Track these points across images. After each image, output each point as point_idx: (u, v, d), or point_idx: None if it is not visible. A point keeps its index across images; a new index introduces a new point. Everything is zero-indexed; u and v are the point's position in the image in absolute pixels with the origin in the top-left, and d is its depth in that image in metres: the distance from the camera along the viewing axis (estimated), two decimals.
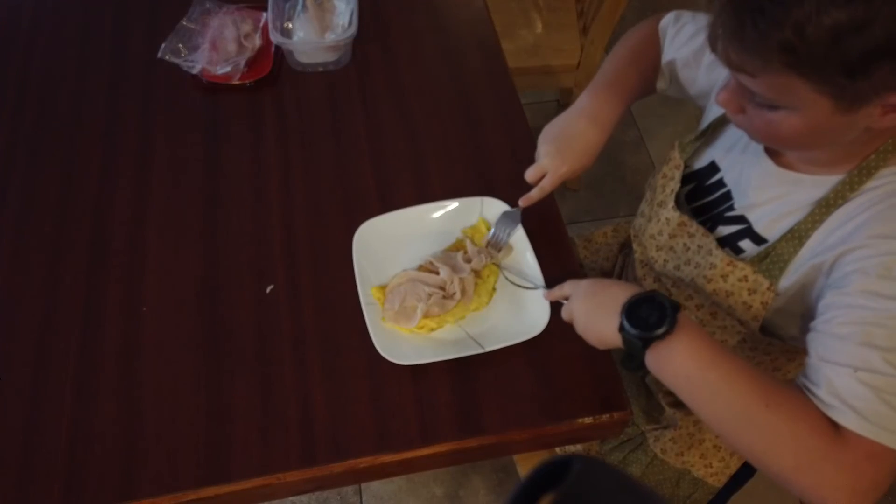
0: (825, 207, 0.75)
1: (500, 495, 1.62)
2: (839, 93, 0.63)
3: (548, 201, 1.02)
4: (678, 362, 0.70)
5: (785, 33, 0.60)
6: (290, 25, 1.20)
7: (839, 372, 0.66)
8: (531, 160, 1.06)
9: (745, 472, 1.06)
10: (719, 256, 0.83)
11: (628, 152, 2.15)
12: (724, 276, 0.83)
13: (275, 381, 0.88)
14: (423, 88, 1.17)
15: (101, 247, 1.00)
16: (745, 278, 0.82)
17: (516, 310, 0.93)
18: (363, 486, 1.64)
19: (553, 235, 0.99)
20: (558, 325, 0.89)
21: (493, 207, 0.98)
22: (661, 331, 0.69)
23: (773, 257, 0.79)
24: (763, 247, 0.81)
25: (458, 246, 0.98)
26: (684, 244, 0.90)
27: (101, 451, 0.84)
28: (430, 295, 0.91)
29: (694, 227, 0.88)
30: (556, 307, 0.90)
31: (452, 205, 1.00)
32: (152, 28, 1.22)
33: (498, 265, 0.96)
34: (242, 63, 1.16)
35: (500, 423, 0.85)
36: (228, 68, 1.15)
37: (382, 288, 0.94)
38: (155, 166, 1.08)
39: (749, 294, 0.82)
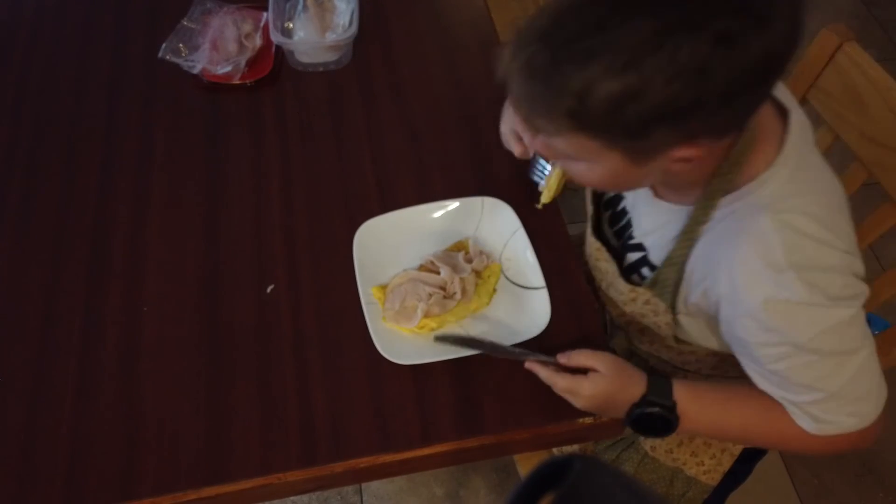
0: (686, 238, 0.80)
1: (500, 495, 1.62)
2: (628, 150, 0.67)
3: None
4: (700, 433, 0.90)
5: (568, 101, 0.63)
6: (291, 25, 1.20)
7: (785, 398, 0.78)
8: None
9: (742, 470, 1.06)
10: (622, 283, 0.91)
11: None
12: (633, 300, 0.90)
13: (275, 380, 0.88)
14: (423, 88, 1.16)
15: (102, 246, 1.00)
16: (648, 301, 0.88)
17: (517, 310, 0.93)
18: (363, 485, 1.64)
19: (553, 235, 0.99)
20: (558, 326, 0.89)
21: (494, 207, 0.98)
22: (666, 436, 0.83)
23: (661, 283, 0.85)
24: (654, 273, 0.87)
25: (458, 246, 0.98)
26: (604, 268, 0.95)
27: (101, 451, 0.84)
28: (430, 295, 0.91)
29: (604, 254, 0.94)
30: (556, 307, 0.90)
31: (453, 205, 1.00)
32: (153, 28, 1.22)
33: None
34: (243, 63, 1.16)
35: (501, 423, 0.85)
36: (229, 68, 1.15)
37: (383, 288, 0.93)
38: (155, 166, 1.08)
39: (654, 315, 0.89)
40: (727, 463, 1.01)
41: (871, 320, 1.70)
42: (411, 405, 0.86)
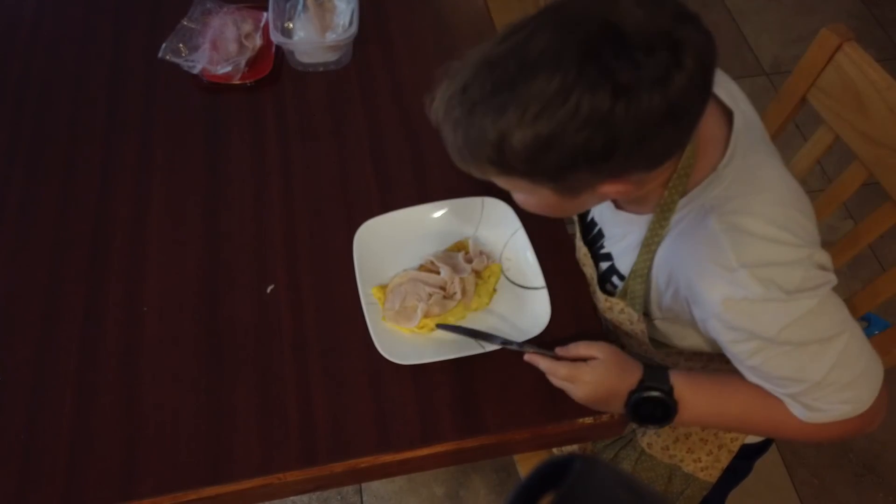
0: (647, 246, 0.82)
1: (500, 495, 1.62)
2: (555, 189, 0.71)
3: None
4: (697, 422, 0.88)
5: (487, 151, 0.66)
6: (291, 25, 1.20)
7: (774, 389, 0.79)
8: None
9: (742, 467, 1.06)
10: (598, 292, 0.93)
11: None
12: (609, 309, 0.92)
13: (275, 380, 0.88)
14: (423, 88, 1.15)
15: (102, 246, 1.00)
16: (622, 311, 0.90)
17: (517, 310, 0.93)
18: (364, 485, 1.64)
19: (554, 235, 0.99)
20: (558, 326, 0.89)
21: (494, 207, 0.98)
22: (668, 421, 0.82)
23: (630, 293, 0.87)
24: (623, 283, 0.88)
25: (458, 246, 0.98)
26: (589, 273, 0.96)
27: (101, 451, 0.84)
28: (430, 295, 0.91)
29: (589, 259, 0.95)
30: (556, 307, 0.90)
31: (453, 205, 1.00)
32: (153, 28, 1.22)
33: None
34: (243, 63, 1.16)
35: (501, 423, 0.85)
36: (229, 68, 1.15)
37: (383, 288, 0.93)
38: (155, 166, 1.08)
39: (630, 324, 0.90)
40: (725, 459, 1.01)
41: (870, 320, 1.71)
42: (411, 405, 0.86)
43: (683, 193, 0.77)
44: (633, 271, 0.85)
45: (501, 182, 0.74)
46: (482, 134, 0.66)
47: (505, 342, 0.87)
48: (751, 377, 0.80)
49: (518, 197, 0.80)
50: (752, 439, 1.03)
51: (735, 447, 1.01)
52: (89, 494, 0.82)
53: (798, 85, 1.03)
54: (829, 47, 0.97)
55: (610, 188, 0.70)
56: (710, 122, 0.77)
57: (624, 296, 0.88)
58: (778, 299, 0.71)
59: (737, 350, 0.77)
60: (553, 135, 0.63)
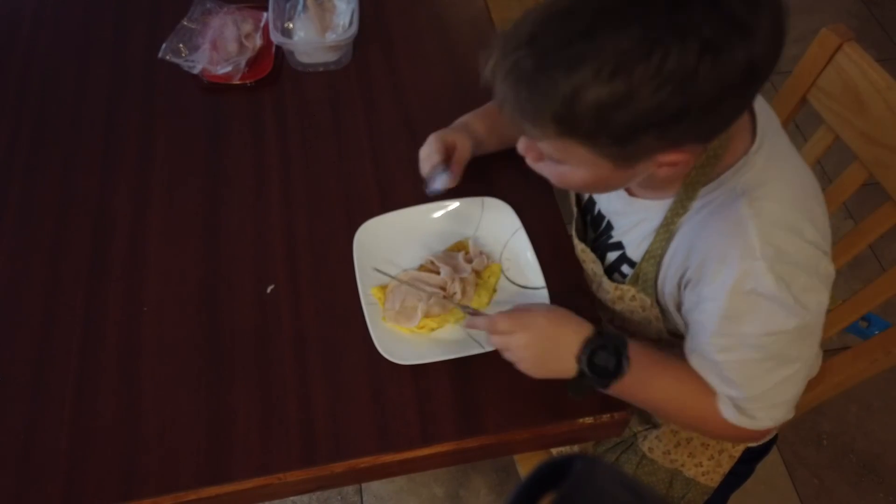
0: (665, 229, 0.81)
1: (500, 495, 1.62)
2: (614, 156, 0.68)
3: (548, 201, 1.02)
4: (628, 391, 0.82)
5: (556, 106, 0.63)
6: (291, 25, 1.20)
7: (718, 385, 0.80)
8: None
9: (743, 471, 1.06)
10: (607, 282, 0.92)
11: None
12: (620, 298, 0.91)
13: (275, 380, 0.88)
14: (423, 88, 1.17)
15: (102, 246, 1.00)
16: (634, 297, 0.89)
17: None
18: (364, 485, 1.64)
19: (553, 235, 0.99)
20: None
21: (494, 207, 0.98)
22: (621, 376, 0.78)
23: (642, 277, 0.86)
24: (634, 269, 0.87)
25: (458, 246, 0.98)
26: (591, 269, 0.95)
27: (101, 451, 0.84)
28: (430, 295, 0.91)
29: (590, 255, 0.94)
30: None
31: (453, 205, 1.00)
32: (153, 28, 1.22)
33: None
34: (243, 63, 1.16)
35: (501, 423, 0.85)
36: (229, 68, 1.15)
37: (383, 288, 0.93)
38: (155, 166, 1.08)
39: (643, 311, 0.90)
40: (726, 464, 1.01)
41: (871, 320, 1.71)
42: (411, 405, 0.86)
43: (710, 176, 0.76)
44: (647, 252, 0.84)
45: (553, 147, 0.70)
46: (551, 88, 0.62)
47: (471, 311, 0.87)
48: (702, 366, 0.80)
49: (561, 170, 0.75)
50: (753, 442, 1.02)
51: (737, 452, 1.01)
52: (89, 494, 0.82)
53: (798, 85, 1.03)
54: (829, 47, 0.97)
55: (666, 159, 0.68)
56: None
57: (635, 281, 0.87)
58: (782, 303, 0.72)
59: (713, 340, 0.77)
60: (630, 92, 0.60)
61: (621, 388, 0.80)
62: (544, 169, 0.78)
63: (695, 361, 0.81)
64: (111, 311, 0.94)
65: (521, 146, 0.78)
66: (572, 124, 0.64)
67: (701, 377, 0.81)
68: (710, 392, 0.81)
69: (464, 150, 0.98)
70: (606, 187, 0.81)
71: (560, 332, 0.81)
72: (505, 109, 0.69)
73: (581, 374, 0.79)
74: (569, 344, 0.79)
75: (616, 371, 0.78)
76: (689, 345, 0.83)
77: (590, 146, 0.67)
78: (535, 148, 0.76)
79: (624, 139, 0.65)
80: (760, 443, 1.04)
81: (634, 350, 0.80)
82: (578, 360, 0.79)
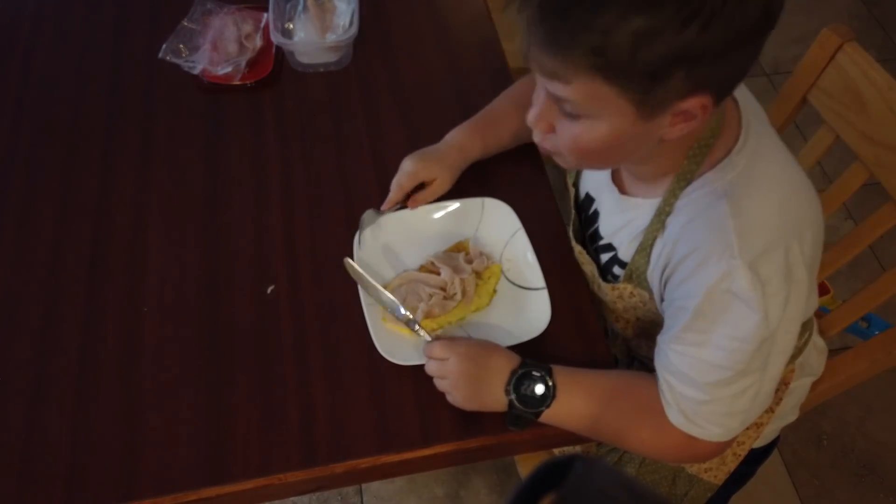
0: (657, 219, 0.81)
1: (500, 495, 1.62)
2: (642, 98, 0.67)
3: (548, 201, 1.02)
4: (562, 419, 0.83)
5: (592, 37, 0.63)
6: (291, 26, 1.20)
7: (670, 389, 0.80)
8: (532, 160, 1.06)
9: (746, 472, 1.06)
10: (602, 283, 0.92)
11: None
12: (620, 297, 0.91)
13: (275, 381, 0.88)
14: (423, 88, 1.17)
15: (102, 246, 1.00)
16: (632, 294, 0.89)
17: (517, 311, 0.93)
18: (364, 486, 1.64)
19: (553, 235, 0.99)
20: (559, 326, 0.89)
21: (494, 208, 0.98)
22: (547, 403, 0.81)
23: (636, 273, 0.86)
24: (627, 266, 0.88)
25: (459, 247, 0.98)
26: (589, 272, 0.95)
27: (102, 451, 0.84)
28: (430, 295, 0.91)
29: (586, 257, 0.95)
30: (556, 308, 0.90)
31: (453, 205, 1.00)
32: (153, 28, 1.22)
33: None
34: (243, 63, 1.16)
35: (501, 424, 0.85)
36: (229, 69, 1.15)
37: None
38: (155, 166, 1.08)
39: (644, 305, 0.90)
40: (732, 463, 1.01)
41: (871, 320, 1.71)
42: (412, 406, 0.86)
43: (700, 168, 0.78)
44: (640, 245, 0.85)
45: (578, 91, 0.68)
46: (588, 18, 0.62)
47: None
48: (665, 364, 0.80)
49: (573, 132, 0.73)
50: (758, 443, 1.02)
51: (742, 451, 1.00)
52: (89, 494, 0.81)
53: (798, 85, 1.03)
54: (829, 47, 0.97)
55: (686, 106, 0.68)
56: (728, 105, 0.79)
57: (630, 278, 0.88)
58: (752, 306, 0.72)
59: (682, 335, 0.78)
60: (664, 25, 0.61)
61: (556, 415, 0.82)
62: (556, 139, 0.76)
63: (659, 358, 0.81)
64: (111, 311, 0.94)
65: (533, 116, 0.76)
66: (607, 57, 0.63)
67: (644, 390, 0.82)
68: (653, 399, 0.81)
69: (441, 186, 0.99)
70: (620, 151, 0.77)
71: (491, 362, 0.83)
72: (534, 52, 0.68)
73: (511, 404, 0.81)
74: (500, 370, 0.82)
75: (542, 399, 0.81)
76: (659, 338, 0.83)
77: (619, 85, 0.66)
78: (547, 117, 0.75)
79: (655, 75, 0.65)
80: (762, 445, 1.04)
81: (562, 375, 0.82)
82: (506, 391, 0.81)
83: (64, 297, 0.95)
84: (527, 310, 0.92)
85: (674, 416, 0.80)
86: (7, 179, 1.07)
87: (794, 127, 1.12)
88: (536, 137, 0.79)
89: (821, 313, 1.06)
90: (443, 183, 0.99)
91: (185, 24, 1.21)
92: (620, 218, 0.89)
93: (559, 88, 0.69)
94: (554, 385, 0.81)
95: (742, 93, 0.81)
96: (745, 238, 0.72)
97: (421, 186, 0.99)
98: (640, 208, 0.85)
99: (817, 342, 1.02)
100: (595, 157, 0.78)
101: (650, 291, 0.87)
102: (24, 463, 0.83)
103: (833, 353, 1.04)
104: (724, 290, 0.73)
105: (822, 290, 1.48)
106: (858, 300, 1.02)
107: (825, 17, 2.42)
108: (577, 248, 0.96)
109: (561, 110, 0.73)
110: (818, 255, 0.80)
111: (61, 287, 0.96)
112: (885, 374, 0.98)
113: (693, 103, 0.68)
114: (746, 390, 0.77)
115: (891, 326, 1.00)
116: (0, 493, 0.82)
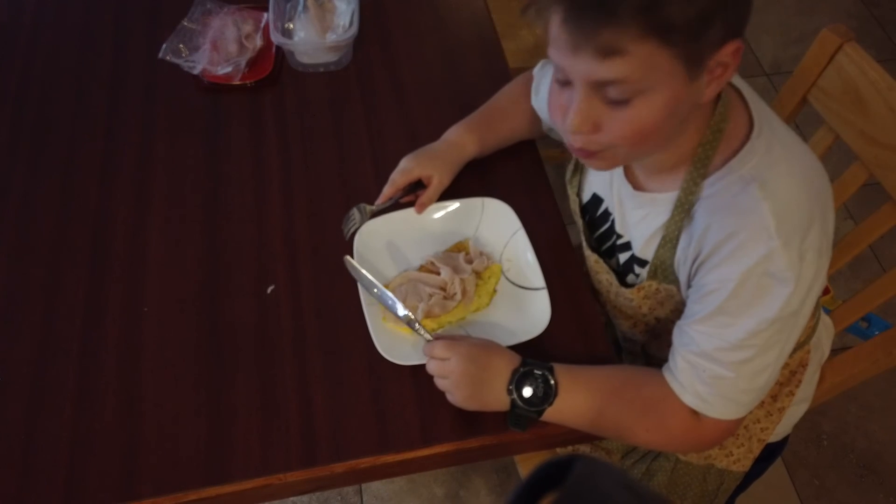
0: (679, 210, 0.81)
1: (500, 495, 1.62)
2: (689, 55, 0.68)
3: (548, 201, 1.02)
4: (564, 416, 0.83)
5: None
6: (291, 26, 1.20)
7: (690, 368, 0.79)
8: (532, 160, 1.06)
9: (753, 470, 1.06)
10: (623, 290, 0.92)
11: None
12: (645, 297, 0.90)
13: (275, 381, 0.88)
14: (423, 88, 1.17)
15: (102, 246, 1.00)
16: (658, 290, 0.88)
17: (517, 311, 0.93)
18: (364, 486, 1.64)
19: (553, 235, 0.99)
20: (559, 326, 0.89)
21: (494, 208, 0.98)
22: (550, 401, 0.81)
23: (660, 268, 0.86)
24: (648, 266, 0.88)
25: (459, 247, 0.98)
26: (606, 280, 0.95)
27: (101, 451, 0.84)
28: (430, 295, 0.91)
29: (603, 265, 0.95)
30: (556, 308, 0.90)
31: (453, 205, 1.00)
32: (153, 28, 1.22)
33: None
34: (243, 63, 1.16)
35: (501, 424, 0.85)
36: (229, 69, 1.15)
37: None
38: (156, 166, 1.08)
39: (671, 299, 0.89)
40: (757, 449, 1.01)
41: (871, 320, 1.71)
42: (411, 405, 0.86)
43: (712, 167, 0.78)
44: (663, 238, 0.84)
45: (628, 62, 0.67)
46: None
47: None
48: (686, 343, 0.80)
49: (634, 113, 0.71)
50: (773, 437, 1.01)
51: (766, 436, 1.00)
52: (89, 495, 0.81)
53: (798, 85, 1.03)
54: (829, 47, 0.97)
55: (728, 49, 0.69)
56: (731, 95, 0.80)
57: (654, 275, 0.87)
58: (789, 284, 0.73)
59: (715, 319, 0.77)
60: None
61: (558, 413, 0.82)
62: (602, 136, 0.74)
63: (681, 338, 0.81)
64: (111, 311, 0.94)
65: (577, 119, 0.72)
66: (658, 14, 0.64)
67: (645, 381, 0.83)
68: (656, 390, 0.81)
69: (440, 183, 0.99)
70: (673, 123, 0.74)
71: (492, 361, 0.83)
72: (577, 39, 0.67)
73: (513, 404, 0.82)
74: (501, 370, 0.82)
75: (545, 397, 0.81)
76: (680, 322, 0.82)
77: (672, 44, 0.66)
78: (591, 116, 0.72)
79: (702, 25, 0.66)
80: (778, 440, 1.03)
81: (562, 372, 0.82)
82: (508, 390, 0.81)
83: (64, 297, 0.96)
84: (527, 310, 0.92)
85: (689, 399, 0.79)
86: (7, 179, 1.07)
87: (795, 127, 1.12)
88: (577, 142, 0.75)
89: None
90: (441, 180, 0.99)
91: (185, 24, 1.21)
92: (636, 214, 0.88)
93: (613, 67, 0.67)
94: (556, 382, 0.81)
95: (737, 80, 0.82)
96: (781, 219, 0.73)
97: (420, 185, 0.99)
98: (657, 203, 0.84)
99: (825, 320, 1.03)
100: (653, 137, 0.75)
101: (677, 283, 0.86)
102: (24, 463, 0.83)
103: (833, 353, 1.04)
104: (762, 272, 0.73)
105: (822, 290, 1.48)
106: (858, 300, 1.02)
107: (825, 17, 2.42)
108: (594, 257, 0.96)
109: (606, 101, 0.71)
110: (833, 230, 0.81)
111: (61, 287, 0.96)
112: (885, 374, 0.98)
113: (727, 51, 0.69)
114: (767, 367, 0.78)
115: (891, 326, 1.00)
116: (0, 493, 0.82)
